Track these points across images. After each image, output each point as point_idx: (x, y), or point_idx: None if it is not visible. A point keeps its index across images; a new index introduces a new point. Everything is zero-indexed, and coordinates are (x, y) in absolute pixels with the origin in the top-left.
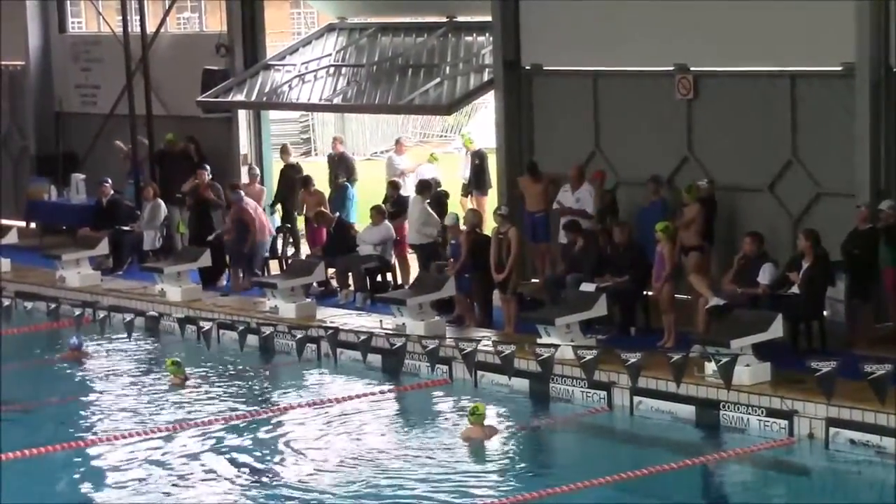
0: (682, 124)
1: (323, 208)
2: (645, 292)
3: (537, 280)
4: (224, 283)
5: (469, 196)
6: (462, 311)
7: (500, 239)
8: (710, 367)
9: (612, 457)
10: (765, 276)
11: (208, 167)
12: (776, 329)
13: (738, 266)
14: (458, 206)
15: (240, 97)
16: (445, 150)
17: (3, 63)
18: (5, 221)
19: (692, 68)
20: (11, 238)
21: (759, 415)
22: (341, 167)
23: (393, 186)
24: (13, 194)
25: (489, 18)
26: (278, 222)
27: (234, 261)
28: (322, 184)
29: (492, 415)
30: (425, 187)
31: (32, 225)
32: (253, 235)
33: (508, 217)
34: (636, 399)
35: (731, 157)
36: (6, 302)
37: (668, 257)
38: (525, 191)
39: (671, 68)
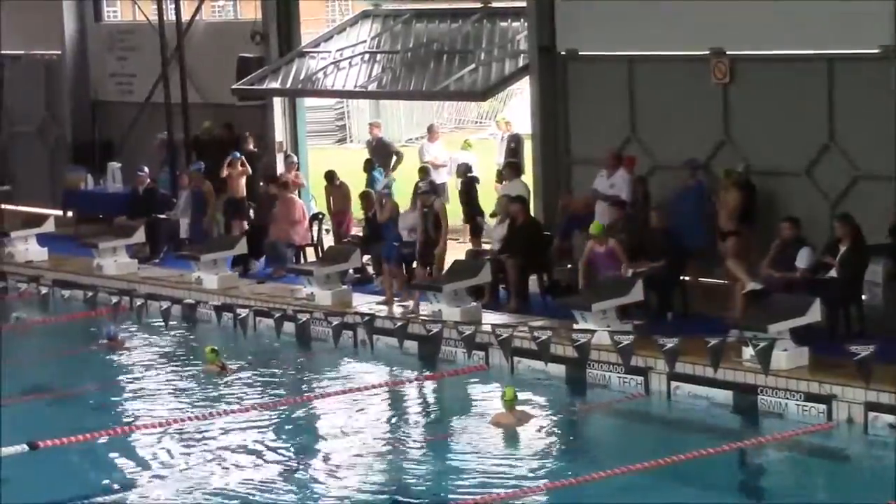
0: (718, 109)
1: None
2: (682, 277)
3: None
4: (258, 269)
5: (503, 182)
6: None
7: (425, 213)
8: (748, 351)
9: (649, 442)
10: (802, 260)
11: (238, 154)
12: (814, 313)
13: (776, 251)
14: (490, 191)
15: (275, 84)
16: (480, 136)
17: (39, 52)
18: (42, 210)
19: (728, 52)
20: (48, 227)
21: (797, 399)
22: (380, 153)
23: (424, 172)
24: (50, 183)
25: (524, 4)
26: (314, 209)
27: (276, 255)
28: (355, 171)
29: (528, 401)
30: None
31: (69, 214)
32: (303, 228)
33: (432, 191)
34: (673, 384)
35: (768, 141)
36: (44, 290)
37: (622, 253)
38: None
39: (707, 52)
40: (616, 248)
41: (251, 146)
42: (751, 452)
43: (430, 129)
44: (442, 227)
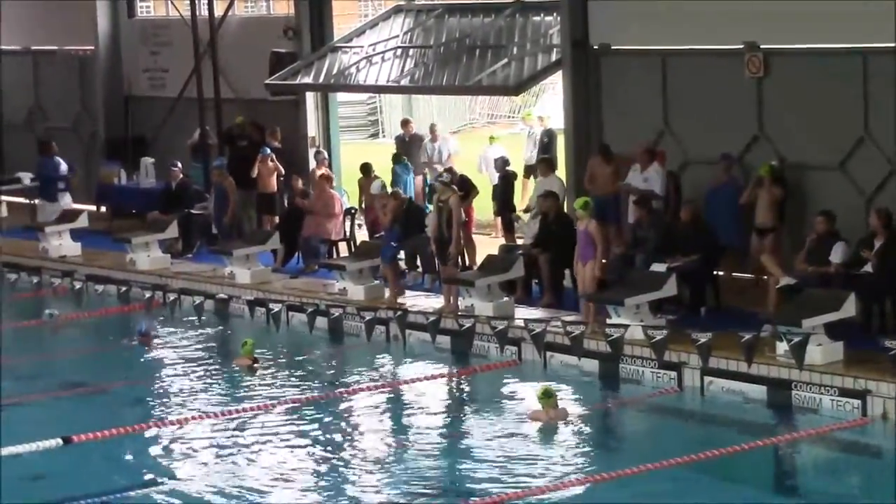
0: (751, 103)
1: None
2: (715, 272)
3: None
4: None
5: (533, 177)
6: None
7: (440, 207)
8: (782, 346)
9: (682, 438)
10: (837, 255)
11: (268, 150)
12: (848, 308)
13: (810, 245)
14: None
15: (307, 80)
16: (512, 131)
17: (73, 48)
18: (76, 206)
19: (762, 46)
20: (82, 222)
21: (831, 395)
22: (413, 149)
23: (448, 171)
24: (84, 178)
25: None
26: (346, 203)
27: (309, 250)
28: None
29: (562, 396)
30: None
31: (103, 209)
32: (339, 222)
33: (450, 184)
34: (707, 379)
35: (802, 135)
36: (77, 285)
37: (598, 234)
38: (594, 172)
39: (741, 46)
40: (592, 230)
41: (276, 142)
42: (784, 448)
43: (431, 129)
44: (454, 224)
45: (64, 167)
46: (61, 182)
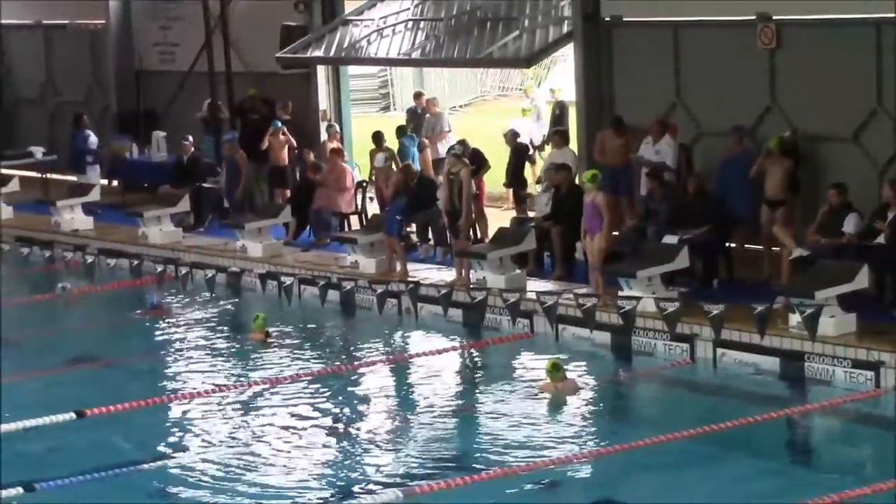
0: (764, 74)
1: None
2: (727, 244)
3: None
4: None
5: (539, 149)
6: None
7: (451, 179)
8: (795, 318)
9: (695, 410)
10: (849, 226)
11: (280, 123)
12: (861, 280)
13: (823, 217)
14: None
15: (318, 53)
16: (523, 103)
17: (84, 22)
18: (87, 180)
19: (774, 17)
20: (94, 196)
21: (844, 366)
22: (425, 119)
23: (461, 143)
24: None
25: None
26: (358, 177)
27: (321, 223)
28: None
29: (573, 368)
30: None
31: (114, 183)
32: (350, 196)
33: (461, 157)
34: (719, 351)
35: (815, 106)
36: (90, 259)
37: (605, 207)
38: (605, 144)
39: (753, 17)
40: (599, 202)
41: (286, 116)
42: (797, 419)
43: (428, 102)
44: (464, 197)
45: (94, 140)
46: (90, 155)
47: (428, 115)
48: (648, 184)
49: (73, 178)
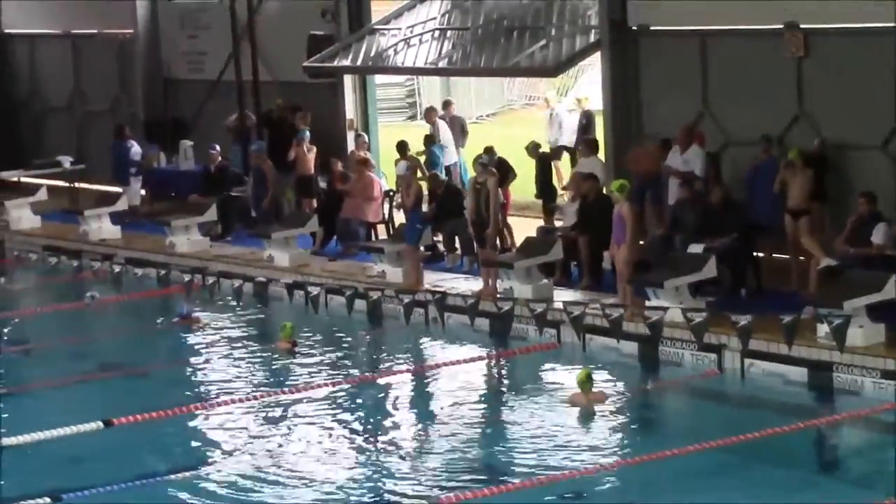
0: (792, 83)
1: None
2: (754, 253)
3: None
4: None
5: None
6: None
7: (477, 189)
8: (823, 328)
9: (722, 420)
10: (878, 235)
11: (308, 134)
12: (890, 290)
13: (852, 226)
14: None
15: (345, 62)
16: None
17: (112, 31)
18: (115, 189)
19: (802, 26)
20: (121, 205)
21: (873, 377)
22: (453, 129)
23: (487, 152)
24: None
25: None
26: (385, 186)
27: (347, 232)
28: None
29: (601, 378)
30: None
31: (142, 191)
32: (377, 206)
33: (489, 166)
34: (747, 362)
35: (843, 115)
36: (117, 269)
37: (629, 219)
38: (643, 159)
39: (781, 26)
40: (624, 212)
41: (304, 126)
42: (826, 430)
43: (429, 112)
44: (491, 206)
45: (136, 150)
46: (133, 166)
47: (430, 126)
48: (679, 192)
49: (117, 189)
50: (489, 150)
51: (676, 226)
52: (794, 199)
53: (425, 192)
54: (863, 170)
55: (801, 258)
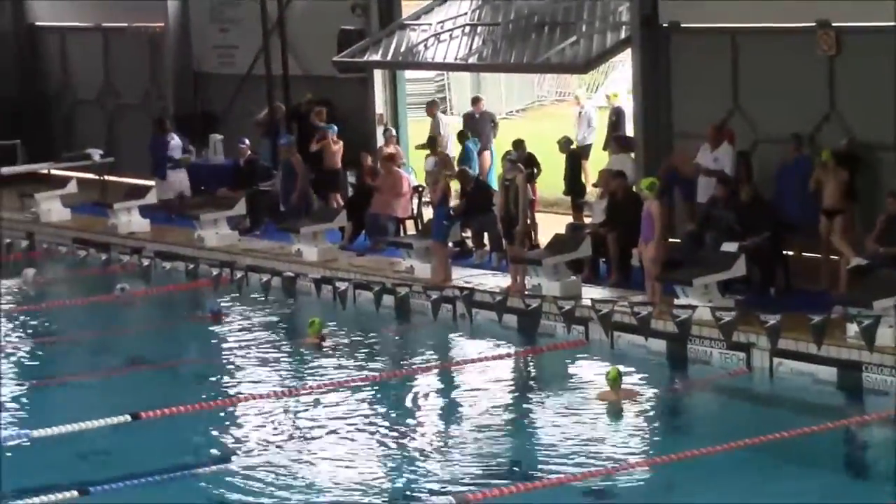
0: (823, 81)
1: (464, 168)
2: (784, 252)
3: (674, 240)
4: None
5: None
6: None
7: (506, 186)
8: (853, 328)
9: (751, 419)
10: None
11: (335, 128)
12: None
13: (882, 225)
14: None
15: (375, 57)
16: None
17: (143, 25)
18: (145, 182)
19: (834, 24)
20: (151, 198)
21: None
22: (483, 125)
23: (518, 144)
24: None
25: None
26: (414, 181)
27: (377, 227)
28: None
29: (629, 376)
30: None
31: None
32: (406, 201)
33: (517, 163)
34: (776, 360)
35: (875, 114)
36: (146, 262)
37: (658, 217)
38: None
39: (812, 24)
40: (653, 210)
41: (321, 122)
42: (855, 430)
43: (433, 104)
44: (520, 203)
45: (176, 143)
46: (170, 161)
47: (431, 121)
48: (714, 190)
49: (147, 182)
50: (519, 144)
51: (708, 224)
52: (829, 198)
53: (455, 188)
54: (893, 169)
55: (832, 257)
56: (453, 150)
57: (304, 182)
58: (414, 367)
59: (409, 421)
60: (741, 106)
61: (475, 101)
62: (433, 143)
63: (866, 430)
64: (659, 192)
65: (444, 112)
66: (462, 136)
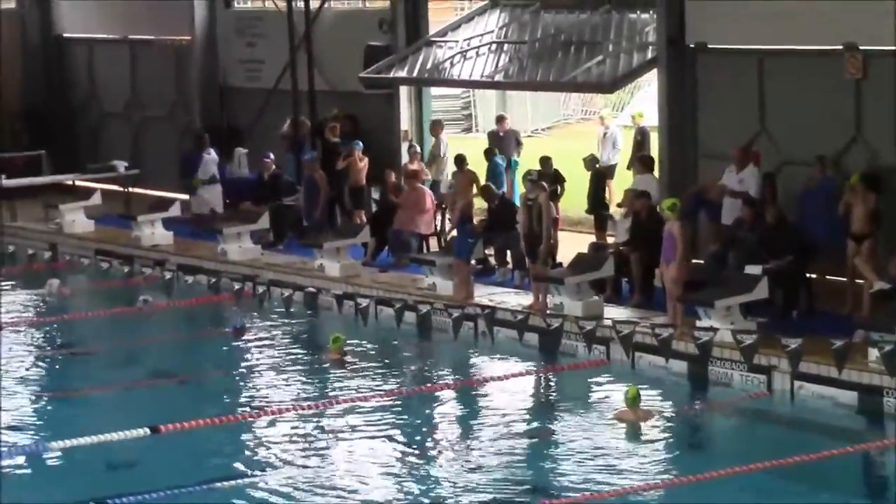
0: (850, 104)
1: (488, 185)
2: (807, 274)
3: (697, 261)
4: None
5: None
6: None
7: (529, 206)
8: (874, 352)
9: (770, 442)
10: None
11: (361, 143)
12: None
13: None
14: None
15: (401, 73)
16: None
17: (170, 38)
18: (169, 195)
19: (861, 47)
20: (174, 211)
21: None
22: (507, 143)
23: (544, 162)
24: (177, 168)
25: None
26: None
27: (400, 244)
28: (480, 159)
29: (649, 397)
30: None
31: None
32: (430, 217)
33: (539, 182)
34: (797, 384)
35: None
36: (168, 275)
37: (680, 237)
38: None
39: (839, 47)
40: (675, 230)
41: (334, 138)
42: (875, 455)
43: (437, 123)
44: (544, 221)
45: (210, 159)
46: (206, 175)
47: (433, 140)
48: (740, 211)
49: (172, 195)
50: (546, 161)
51: (733, 245)
52: (858, 222)
53: (481, 205)
54: None
55: (857, 281)
56: (448, 170)
57: (326, 198)
58: (434, 384)
59: (429, 438)
60: (767, 128)
61: (500, 119)
62: (461, 161)
63: (886, 456)
64: (684, 213)
65: (469, 130)
66: (488, 153)
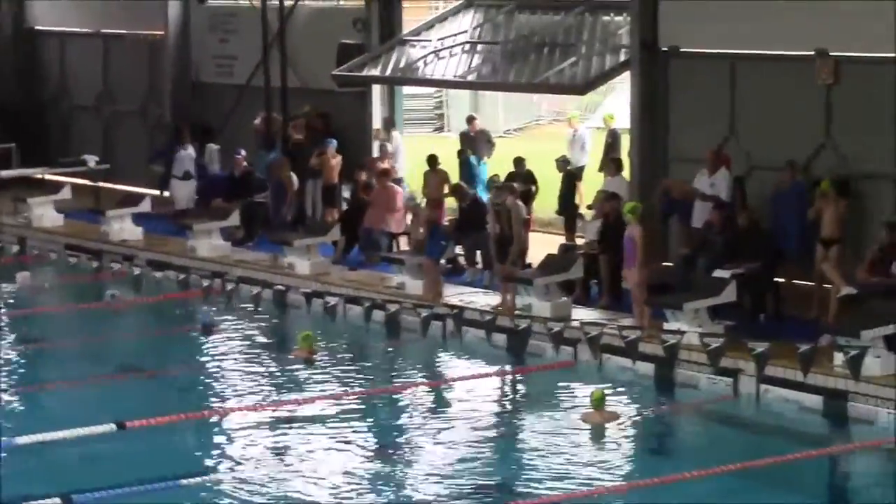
0: (820, 110)
1: (459, 184)
2: (775, 279)
3: (668, 264)
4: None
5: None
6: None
7: (497, 211)
8: (840, 357)
9: (736, 445)
10: None
11: (335, 142)
12: None
13: (873, 256)
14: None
15: (375, 72)
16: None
17: (142, 32)
18: (139, 190)
19: (833, 53)
20: (145, 207)
21: (888, 407)
22: (478, 143)
23: (517, 163)
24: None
25: None
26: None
27: (370, 242)
28: (450, 159)
29: (616, 399)
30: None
31: (166, 193)
32: (400, 216)
33: (504, 186)
34: (763, 387)
35: (871, 144)
36: (137, 271)
37: (639, 241)
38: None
39: (811, 53)
40: (635, 235)
41: (297, 135)
42: (839, 459)
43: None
44: (514, 224)
45: (186, 155)
46: (183, 171)
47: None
48: (709, 215)
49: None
50: (519, 162)
51: (703, 248)
52: (827, 227)
53: (452, 204)
54: (886, 200)
55: (825, 285)
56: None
57: (293, 197)
58: (402, 383)
59: (396, 438)
60: (738, 132)
61: (470, 119)
62: (433, 160)
63: (851, 459)
64: (658, 217)
65: (441, 129)
66: (461, 154)
